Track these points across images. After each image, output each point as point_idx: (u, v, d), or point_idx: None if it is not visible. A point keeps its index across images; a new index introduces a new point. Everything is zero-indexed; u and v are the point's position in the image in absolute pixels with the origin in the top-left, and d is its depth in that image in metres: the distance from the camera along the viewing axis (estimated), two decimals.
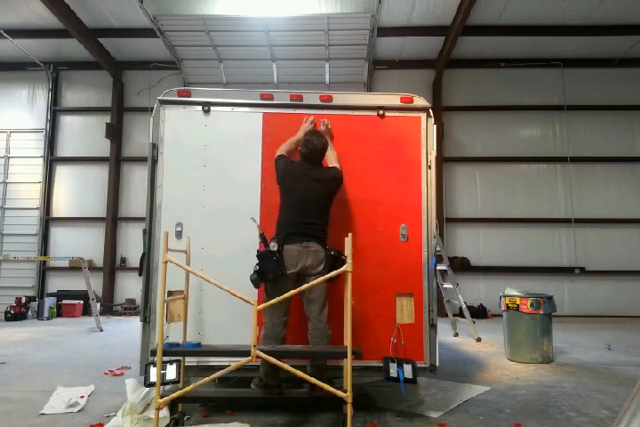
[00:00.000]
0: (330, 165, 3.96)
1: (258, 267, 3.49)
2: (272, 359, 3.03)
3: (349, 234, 3.19)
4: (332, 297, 3.73)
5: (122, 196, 12.35)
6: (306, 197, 3.70)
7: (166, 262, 3.16)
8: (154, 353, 3.17)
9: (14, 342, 7.38)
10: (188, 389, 3.13)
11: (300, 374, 3.05)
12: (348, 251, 3.17)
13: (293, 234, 3.63)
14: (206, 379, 3.12)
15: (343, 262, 3.46)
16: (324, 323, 3.60)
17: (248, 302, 3.10)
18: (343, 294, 3.53)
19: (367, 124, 4.25)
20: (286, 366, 3.04)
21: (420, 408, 3.99)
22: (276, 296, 3.39)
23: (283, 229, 3.71)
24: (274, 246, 3.54)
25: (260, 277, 3.49)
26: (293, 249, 3.57)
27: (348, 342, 3.10)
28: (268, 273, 3.47)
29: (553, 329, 6.06)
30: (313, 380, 3.04)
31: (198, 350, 3.43)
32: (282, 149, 3.95)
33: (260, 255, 3.54)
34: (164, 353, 3.18)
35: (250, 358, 3.02)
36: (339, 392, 3.06)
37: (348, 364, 3.09)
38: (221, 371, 3.10)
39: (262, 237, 3.65)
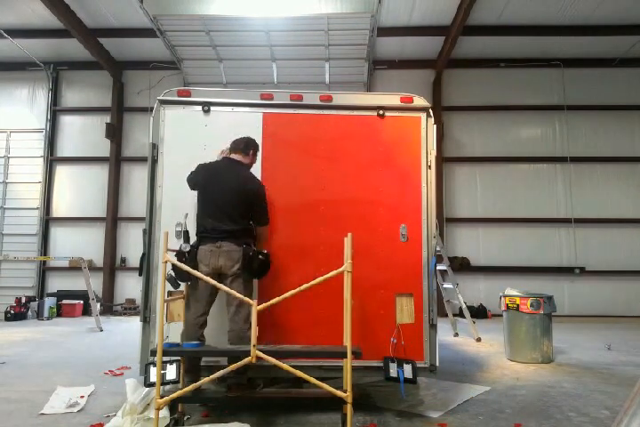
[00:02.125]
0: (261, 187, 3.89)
1: (172, 268, 3.47)
2: (271, 360, 3.02)
3: (349, 234, 3.17)
4: (331, 297, 3.74)
5: (122, 196, 12.35)
6: (221, 194, 3.69)
7: (166, 262, 3.15)
8: (154, 353, 3.16)
9: (14, 342, 7.38)
10: (187, 389, 3.12)
11: (299, 374, 3.04)
12: (347, 251, 3.16)
13: (207, 234, 3.64)
14: (206, 379, 3.11)
15: (261, 262, 3.58)
16: (241, 324, 3.57)
17: (248, 301, 3.10)
18: (342, 294, 3.53)
19: (367, 124, 4.25)
20: (285, 366, 3.03)
21: (419, 408, 3.99)
22: (195, 296, 3.56)
23: (198, 229, 3.74)
24: (185, 248, 3.57)
25: (174, 278, 3.54)
26: (206, 249, 3.58)
27: (347, 342, 3.09)
28: (178, 275, 3.50)
29: (553, 329, 6.06)
30: (312, 380, 3.03)
31: (198, 350, 3.43)
32: None
33: (176, 255, 3.56)
34: (164, 353, 3.17)
35: (250, 358, 3.01)
36: (338, 392, 3.05)
37: (347, 364, 3.08)
38: (221, 371, 3.09)
39: (186, 234, 3.71)
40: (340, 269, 3.16)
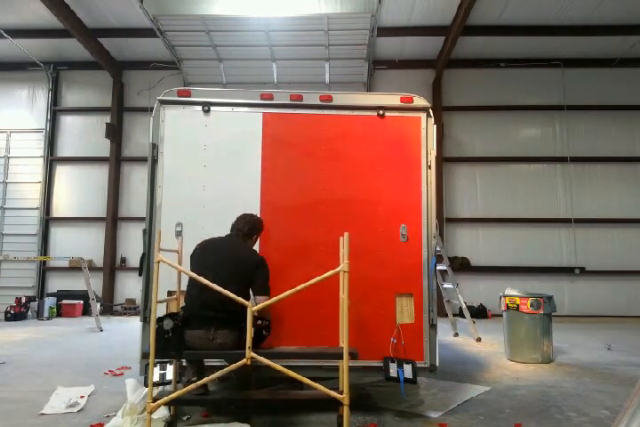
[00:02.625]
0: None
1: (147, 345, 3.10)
2: (266, 361, 3.00)
3: (345, 233, 3.16)
4: (331, 297, 3.74)
5: (122, 196, 12.35)
6: (217, 276, 3.25)
7: (159, 262, 3.11)
8: (146, 356, 3.11)
9: (14, 342, 7.38)
10: (181, 391, 3.08)
11: (293, 375, 3.01)
12: (344, 250, 3.14)
13: (198, 319, 3.24)
14: (202, 381, 3.08)
15: (262, 337, 3.38)
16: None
17: (243, 303, 3.08)
18: (339, 294, 3.53)
19: (367, 124, 4.24)
20: (279, 367, 3.01)
21: (420, 408, 3.99)
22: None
23: (186, 309, 3.37)
24: (167, 325, 3.14)
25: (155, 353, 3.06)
26: (196, 337, 3.21)
27: (344, 343, 3.08)
28: (157, 351, 3.06)
29: (553, 329, 6.06)
30: (306, 380, 3.01)
31: (192, 352, 3.30)
32: None
33: (156, 331, 3.08)
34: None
35: (245, 360, 2.99)
36: (335, 394, 3.03)
37: (344, 365, 3.05)
38: (216, 373, 3.07)
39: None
40: (337, 269, 3.14)
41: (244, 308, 3.09)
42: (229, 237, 3.68)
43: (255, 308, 3.06)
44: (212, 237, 3.70)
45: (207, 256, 3.50)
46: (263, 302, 3.19)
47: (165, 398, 3.04)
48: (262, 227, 3.81)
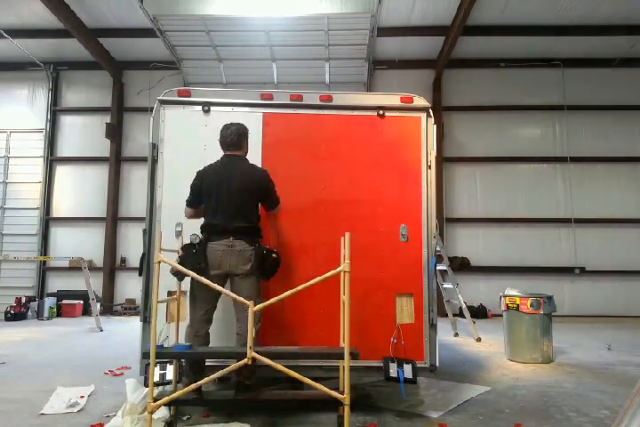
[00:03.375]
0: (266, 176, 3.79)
1: (179, 259, 3.41)
2: (267, 360, 2.98)
3: (347, 233, 3.15)
4: (331, 297, 3.74)
5: (122, 196, 12.35)
6: (227, 193, 3.58)
7: (159, 263, 3.09)
8: (146, 356, 3.10)
9: (14, 342, 7.38)
10: (181, 392, 3.07)
11: (294, 375, 3.00)
12: (345, 250, 3.13)
13: (216, 231, 3.52)
14: (202, 381, 3.06)
15: (274, 260, 3.51)
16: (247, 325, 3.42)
17: (244, 302, 3.07)
18: (339, 294, 3.53)
19: (367, 124, 4.25)
20: (280, 367, 2.99)
21: (420, 408, 3.99)
22: (199, 292, 3.45)
23: (206, 227, 3.62)
24: (195, 239, 3.46)
25: (179, 271, 3.32)
26: (217, 249, 3.46)
27: (345, 343, 3.06)
28: (187, 266, 3.27)
29: (553, 329, 6.06)
30: (307, 380, 3.00)
31: (189, 352, 3.32)
32: None
33: (182, 248, 3.47)
34: (157, 355, 3.11)
35: (246, 359, 2.97)
36: (336, 394, 3.02)
37: (345, 365, 3.04)
38: (217, 373, 3.05)
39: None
40: (338, 269, 3.12)
41: (256, 220, 3.64)
42: (227, 159, 3.76)
43: (256, 308, 3.05)
44: None
45: (215, 183, 3.64)
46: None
47: (166, 399, 3.03)
48: (245, 132, 3.83)
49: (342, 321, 3.15)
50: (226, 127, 3.76)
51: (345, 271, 3.10)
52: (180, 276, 3.42)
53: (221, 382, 4.41)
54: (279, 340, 3.86)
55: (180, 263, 3.32)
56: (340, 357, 3.11)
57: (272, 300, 3.13)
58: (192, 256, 3.38)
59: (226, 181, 3.61)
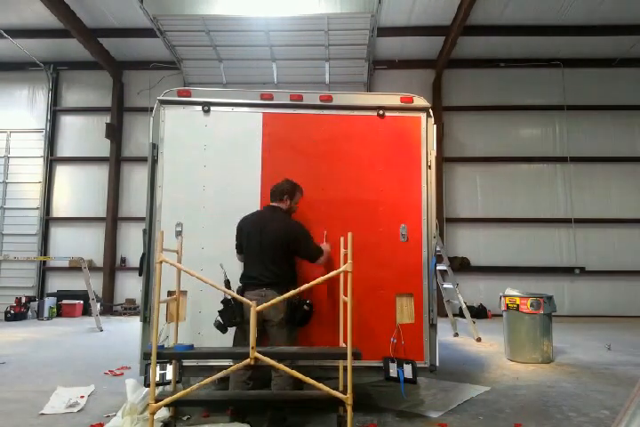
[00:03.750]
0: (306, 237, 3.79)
1: (219, 313, 3.55)
2: (270, 361, 2.97)
3: (349, 233, 3.14)
4: (327, 296, 3.73)
5: (122, 196, 12.35)
6: (259, 244, 3.67)
7: (161, 263, 3.10)
8: (147, 356, 3.09)
9: (14, 342, 7.38)
10: (183, 392, 3.06)
11: (297, 375, 3.00)
12: (348, 249, 3.13)
13: (251, 283, 3.65)
14: (203, 382, 3.03)
15: (305, 312, 3.57)
16: (286, 375, 3.43)
17: (247, 303, 3.06)
18: (338, 293, 3.53)
19: (367, 124, 4.24)
20: (282, 367, 2.99)
21: (420, 408, 3.99)
22: (239, 342, 3.57)
23: (242, 278, 3.75)
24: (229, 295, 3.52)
25: (221, 324, 3.56)
26: (250, 298, 3.45)
27: (347, 343, 3.05)
28: (225, 321, 3.55)
29: (553, 329, 6.06)
30: (310, 381, 2.99)
31: (190, 352, 3.29)
32: None
33: (222, 302, 3.57)
34: (159, 355, 3.11)
35: (248, 360, 2.95)
36: (338, 394, 3.02)
37: (348, 365, 3.03)
38: (218, 373, 3.04)
39: (227, 283, 3.67)
40: (341, 270, 3.12)
41: (287, 269, 3.71)
42: (269, 209, 3.86)
43: (258, 308, 3.03)
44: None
45: (253, 231, 3.74)
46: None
47: (167, 399, 3.03)
48: (292, 190, 3.87)
49: (344, 321, 3.14)
50: (278, 184, 3.88)
51: (347, 271, 3.09)
52: (222, 329, 3.58)
53: (222, 382, 4.40)
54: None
55: (220, 317, 3.55)
56: (343, 357, 3.10)
57: (273, 301, 3.13)
58: (229, 311, 3.53)
59: (258, 233, 3.70)
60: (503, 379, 5.06)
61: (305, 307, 3.59)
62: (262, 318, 3.54)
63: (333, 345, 3.68)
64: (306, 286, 3.14)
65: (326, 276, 3.15)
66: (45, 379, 4.95)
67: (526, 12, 10.22)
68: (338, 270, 3.15)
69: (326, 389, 3.02)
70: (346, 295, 3.25)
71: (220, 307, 3.58)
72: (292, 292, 3.13)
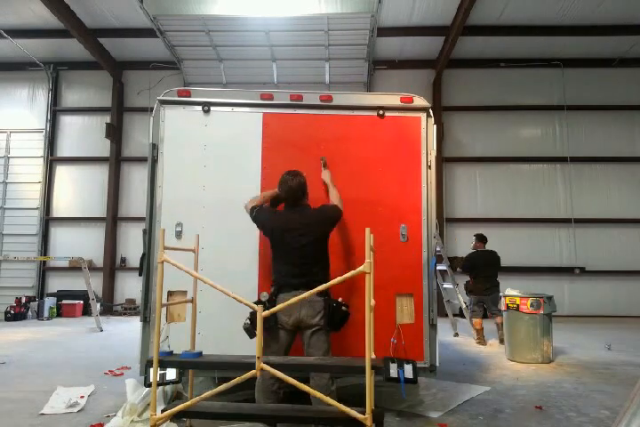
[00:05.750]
0: (330, 204, 3.73)
1: (250, 316, 3.33)
2: (278, 373, 2.76)
3: (366, 229, 2.99)
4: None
5: (122, 196, 12.35)
6: (297, 245, 3.46)
7: (162, 262, 2.99)
8: (150, 363, 2.97)
9: (14, 342, 7.38)
10: (188, 403, 2.87)
11: (311, 391, 2.79)
12: (367, 246, 2.93)
13: (288, 284, 3.44)
14: (209, 393, 2.85)
15: (343, 313, 3.37)
16: (327, 379, 3.33)
17: (253, 308, 2.96)
18: (344, 295, 3.51)
19: (367, 124, 4.24)
20: (293, 381, 2.76)
21: (419, 408, 3.99)
22: (270, 346, 3.33)
23: (277, 279, 3.55)
24: (264, 297, 3.40)
25: (251, 327, 3.29)
26: (287, 299, 3.24)
27: (367, 353, 2.71)
28: (254, 323, 3.19)
29: (553, 329, 6.06)
30: (319, 395, 2.77)
31: (193, 361, 3.10)
32: (253, 201, 3.74)
33: (253, 303, 3.37)
34: (161, 364, 2.99)
35: (254, 371, 2.76)
36: (357, 414, 2.66)
37: (367, 381, 2.67)
38: (225, 384, 2.85)
39: (264, 300, 3.46)
40: (359, 270, 2.87)
41: (323, 270, 3.49)
42: (297, 209, 3.62)
43: (264, 313, 2.89)
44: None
45: (286, 231, 3.51)
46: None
47: (173, 410, 2.85)
48: (302, 187, 3.66)
49: (367, 327, 2.82)
50: (284, 181, 3.62)
51: (366, 273, 2.81)
52: (251, 333, 3.34)
53: (228, 394, 4.34)
54: None
55: (250, 320, 3.30)
56: (362, 371, 2.71)
57: (280, 305, 3.01)
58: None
59: (290, 234, 3.49)
60: (503, 379, 5.06)
61: (343, 308, 3.41)
62: (296, 320, 3.35)
63: (342, 349, 3.57)
64: (328, 284, 2.98)
65: (344, 276, 2.98)
66: (45, 379, 4.95)
67: (526, 12, 10.22)
68: (355, 271, 2.94)
69: (344, 408, 2.70)
70: (360, 299, 3.03)
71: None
72: (312, 291, 2.90)
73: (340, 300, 3.47)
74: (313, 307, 3.34)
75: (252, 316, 3.27)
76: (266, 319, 3.12)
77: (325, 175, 3.96)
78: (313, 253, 3.50)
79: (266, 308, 3.17)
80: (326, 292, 3.36)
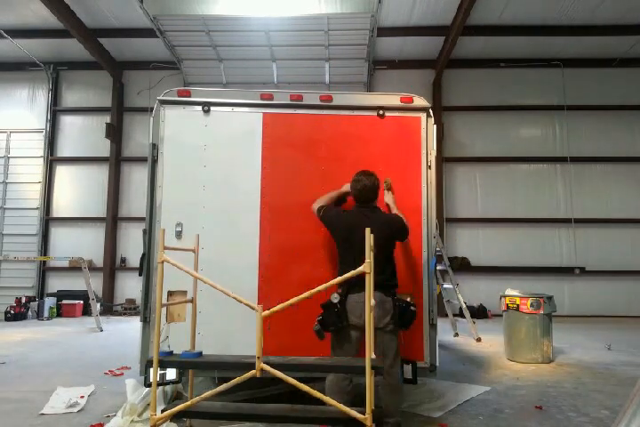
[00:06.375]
0: (392, 212, 3.80)
1: (321, 318, 3.35)
2: (278, 373, 2.74)
3: (367, 229, 2.96)
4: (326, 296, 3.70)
5: (122, 196, 12.36)
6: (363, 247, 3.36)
7: (162, 262, 2.99)
8: (150, 364, 2.97)
9: (14, 342, 7.38)
10: (188, 403, 2.88)
11: (310, 391, 2.77)
12: (367, 246, 2.92)
13: (357, 284, 3.28)
14: (209, 393, 2.86)
15: (412, 313, 3.38)
16: (397, 379, 3.40)
17: (253, 308, 2.93)
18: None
19: (367, 124, 4.24)
20: (293, 381, 2.75)
21: (420, 408, 4.00)
22: (342, 347, 3.34)
23: (346, 281, 3.40)
24: (335, 298, 3.36)
25: (322, 329, 3.33)
26: (357, 300, 3.32)
27: (367, 353, 2.73)
28: (329, 325, 3.32)
29: (553, 329, 6.06)
30: (320, 395, 2.78)
31: (197, 361, 3.10)
32: (320, 201, 3.76)
33: (322, 306, 3.38)
34: (161, 364, 2.98)
35: (254, 371, 2.75)
36: (357, 414, 2.68)
37: (367, 381, 2.67)
38: (225, 384, 2.86)
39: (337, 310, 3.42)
40: (359, 270, 2.88)
41: (392, 270, 3.53)
42: (368, 211, 3.63)
43: (264, 313, 2.85)
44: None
45: (356, 232, 3.37)
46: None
47: (168, 412, 2.86)
48: (374, 188, 3.66)
49: (367, 327, 2.82)
50: (358, 180, 3.65)
51: (366, 273, 2.82)
52: (321, 335, 3.36)
53: (228, 394, 4.34)
54: (282, 342, 3.80)
55: (321, 321, 3.32)
56: (362, 371, 2.72)
57: (280, 305, 2.94)
58: (334, 316, 3.33)
59: (360, 235, 3.30)
60: (503, 379, 5.06)
61: (412, 308, 3.42)
62: (364, 323, 3.27)
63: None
64: (323, 286, 2.92)
65: (343, 276, 2.97)
66: (45, 379, 4.95)
67: (526, 12, 10.22)
68: (356, 271, 2.92)
69: (343, 408, 2.72)
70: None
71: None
72: (321, 286, 2.89)
73: (408, 299, 3.50)
74: (383, 307, 3.35)
75: (324, 317, 3.33)
76: (338, 320, 3.27)
77: (389, 198, 3.93)
78: (384, 252, 3.46)
79: (336, 309, 3.28)
80: (394, 292, 3.45)
